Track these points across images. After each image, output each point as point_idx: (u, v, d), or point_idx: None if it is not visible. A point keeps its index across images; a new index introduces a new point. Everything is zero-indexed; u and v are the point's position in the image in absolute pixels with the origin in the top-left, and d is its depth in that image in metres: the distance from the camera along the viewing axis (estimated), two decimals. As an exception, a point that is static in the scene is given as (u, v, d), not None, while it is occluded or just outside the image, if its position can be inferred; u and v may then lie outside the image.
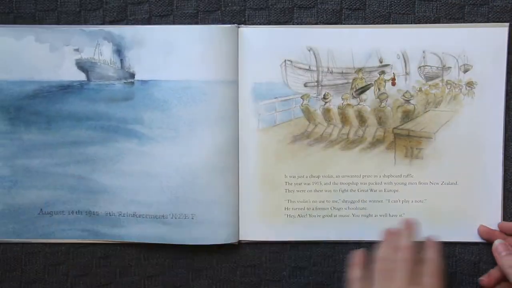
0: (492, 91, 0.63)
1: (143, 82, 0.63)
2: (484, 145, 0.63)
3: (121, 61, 0.63)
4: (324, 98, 0.64)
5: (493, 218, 0.63)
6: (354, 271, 0.56)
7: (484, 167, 0.63)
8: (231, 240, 0.64)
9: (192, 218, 0.63)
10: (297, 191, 0.64)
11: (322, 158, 0.64)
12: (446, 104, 0.63)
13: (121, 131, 0.63)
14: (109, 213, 0.64)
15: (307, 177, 0.64)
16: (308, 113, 0.64)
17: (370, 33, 0.62)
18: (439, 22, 0.63)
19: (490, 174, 0.63)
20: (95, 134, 0.63)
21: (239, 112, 0.63)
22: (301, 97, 0.64)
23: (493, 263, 0.61)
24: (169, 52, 0.62)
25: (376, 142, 0.64)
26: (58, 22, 0.63)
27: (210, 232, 0.63)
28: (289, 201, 0.64)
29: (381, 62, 0.63)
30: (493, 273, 0.62)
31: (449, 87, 0.63)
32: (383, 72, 0.63)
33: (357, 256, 0.57)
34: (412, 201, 0.64)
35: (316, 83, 0.63)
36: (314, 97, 0.64)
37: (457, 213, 0.63)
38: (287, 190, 0.64)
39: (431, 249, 0.56)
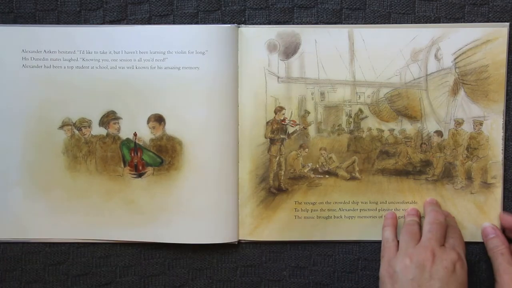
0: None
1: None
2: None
3: None
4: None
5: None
6: (387, 232, 0.61)
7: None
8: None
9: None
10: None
11: (322, 158, 0.64)
12: (446, 104, 0.64)
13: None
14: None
15: (307, 177, 0.64)
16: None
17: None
18: (439, 22, 0.63)
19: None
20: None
21: (239, 112, 0.63)
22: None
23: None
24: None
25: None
26: (58, 21, 0.63)
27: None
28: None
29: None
30: None
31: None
32: None
33: (389, 219, 0.62)
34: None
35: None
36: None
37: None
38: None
39: (451, 218, 0.62)
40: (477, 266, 0.64)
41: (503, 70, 0.62)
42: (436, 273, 0.54)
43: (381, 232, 0.62)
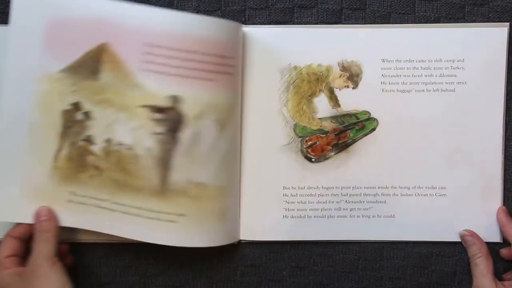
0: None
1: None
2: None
3: None
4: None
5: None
6: None
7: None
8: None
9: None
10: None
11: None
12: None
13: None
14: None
15: (307, 177, 0.64)
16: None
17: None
18: (439, 22, 0.63)
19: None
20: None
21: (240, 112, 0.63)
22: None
23: (494, 261, 0.61)
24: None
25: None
26: (58, 21, 0.63)
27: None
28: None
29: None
30: None
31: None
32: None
33: None
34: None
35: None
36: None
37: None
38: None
39: None
40: (477, 266, 0.64)
41: (503, 70, 0.62)
42: None
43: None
